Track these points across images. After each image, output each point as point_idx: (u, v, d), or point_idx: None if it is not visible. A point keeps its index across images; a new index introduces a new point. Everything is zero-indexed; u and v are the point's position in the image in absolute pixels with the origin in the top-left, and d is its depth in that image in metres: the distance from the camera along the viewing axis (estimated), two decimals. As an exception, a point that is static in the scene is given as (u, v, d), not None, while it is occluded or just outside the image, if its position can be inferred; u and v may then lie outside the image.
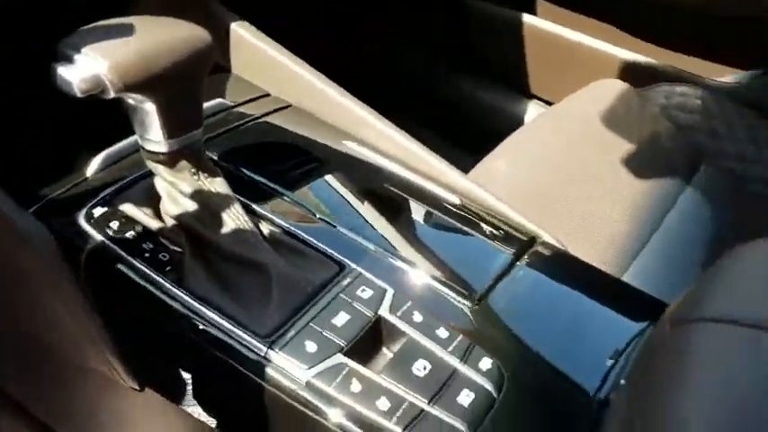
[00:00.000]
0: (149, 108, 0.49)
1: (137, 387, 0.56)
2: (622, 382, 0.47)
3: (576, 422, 0.48)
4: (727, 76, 1.04)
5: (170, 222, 0.54)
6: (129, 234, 0.53)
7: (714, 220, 0.87)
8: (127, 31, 0.47)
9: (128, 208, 0.55)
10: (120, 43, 0.46)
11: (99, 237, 0.53)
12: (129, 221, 0.54)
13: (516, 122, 1.20)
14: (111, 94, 0.46)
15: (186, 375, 0.55)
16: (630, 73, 1.07)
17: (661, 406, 0.38)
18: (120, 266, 0.52)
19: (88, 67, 0.45)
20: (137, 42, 0.46)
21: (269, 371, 0.48)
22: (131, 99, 0.49)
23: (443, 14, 1.27)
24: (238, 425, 0.56)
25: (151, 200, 0.55)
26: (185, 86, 0.50)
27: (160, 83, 0.47)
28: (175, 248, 0.53)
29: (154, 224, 0.54)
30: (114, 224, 0.53)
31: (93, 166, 0.59)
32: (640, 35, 1.09)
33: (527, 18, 1.19)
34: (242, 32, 0.74)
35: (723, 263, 0.45)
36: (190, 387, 0.56)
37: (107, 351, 0.53)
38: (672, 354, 0.42)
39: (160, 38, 0.48)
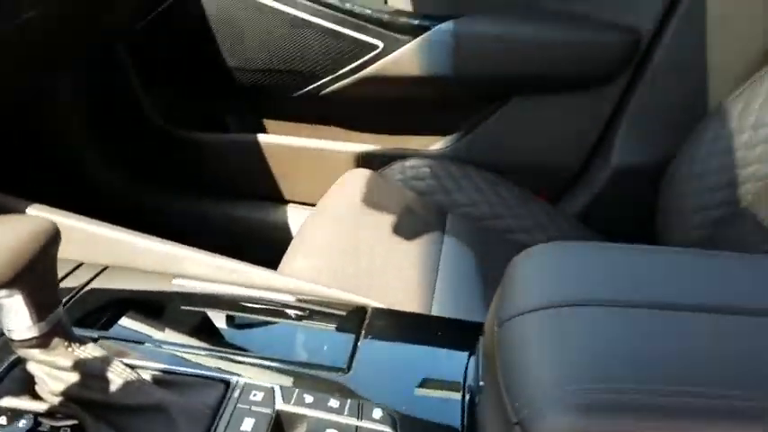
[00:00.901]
0: (16, 300, 0.52)
1: None
2: (481, 383, 0.61)
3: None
4: (439, 144, 1.28)
5: (56, 400, 0.55)
6: (22, 423, 0.54)
7: (472, 253, 1.07)
8: (-19, 235, 0.50)
9: (8, 401, 0.55)
10: (-19, 248, 0.49)
11: (-8, 437, 0.53)
12: (14, 413, 0.55)
13: (283, 229, 1.33)
14: (-15, 297, 0.49)
15: None
16: (367, 160, 1.27)
17: (513, 383, 0.52)
18: (24, 458, 0.52)
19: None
20: (-3, 243, 0.50)
21: (204, 493, 0.53)
22: (-3, 297, 0.51)
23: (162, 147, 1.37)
24: None
25: (27, 386, 0.56)
26: (45, 271, 0.54)
27: (26, 275, 0.51)
28: (72, 422, 0.55)
29: (41, 407, 0.55)
30: (2, 420, 0.54)
31: (-55, 376, 0.58)
32: (364, 129, 1.30)
33: (261, 137, 1.33)
34: (35, 212, 0.77)
35: (512, 270, 0.61)
36: None
37: None
38: (508, 345, 0.55)
39: (14, 234, 0.51)
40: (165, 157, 1.37)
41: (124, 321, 0.67)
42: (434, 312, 0.88)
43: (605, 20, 1.15)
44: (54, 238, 0.53)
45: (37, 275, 0.52)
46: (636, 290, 0.55)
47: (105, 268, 0.76)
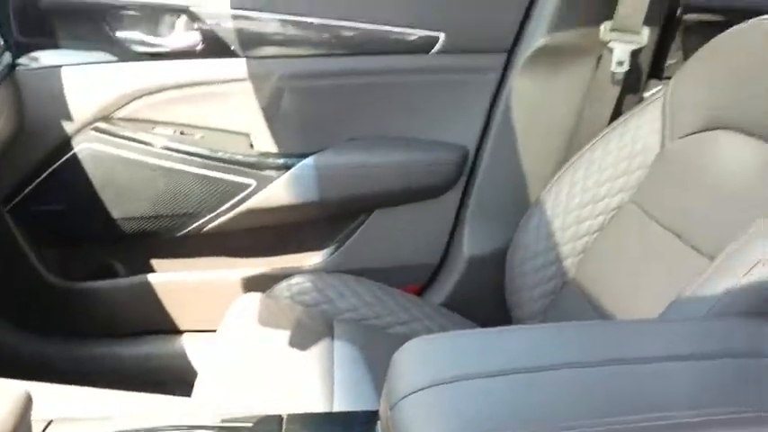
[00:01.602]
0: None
1: None
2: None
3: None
4: (317, 259, 1.46)
5: None
6: None
7: (360, 351, 1.23)
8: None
9: None
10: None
11: None
12: None
13: (187, 359, 1.43)
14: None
15: None
16: (254, 284, 1.41)
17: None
18: None
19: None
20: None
21: None
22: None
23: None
24: None
25: None
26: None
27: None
28: None
29: None
30: None
31: None
32: (248, 255, 1.45)
33: (151, 277, 1.44)
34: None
35: (395, 362, 0.77)
36: None
37: None
38: (400, 423, 0.71)
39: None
40: (61, 308, 1.44)
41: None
42: (336, 408, 1.03)
43: (438, 140, 1.40)
44: (29, 402, 0.65)
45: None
46: (497, 361, 0.73)
47: (51, 422, 0.85)
